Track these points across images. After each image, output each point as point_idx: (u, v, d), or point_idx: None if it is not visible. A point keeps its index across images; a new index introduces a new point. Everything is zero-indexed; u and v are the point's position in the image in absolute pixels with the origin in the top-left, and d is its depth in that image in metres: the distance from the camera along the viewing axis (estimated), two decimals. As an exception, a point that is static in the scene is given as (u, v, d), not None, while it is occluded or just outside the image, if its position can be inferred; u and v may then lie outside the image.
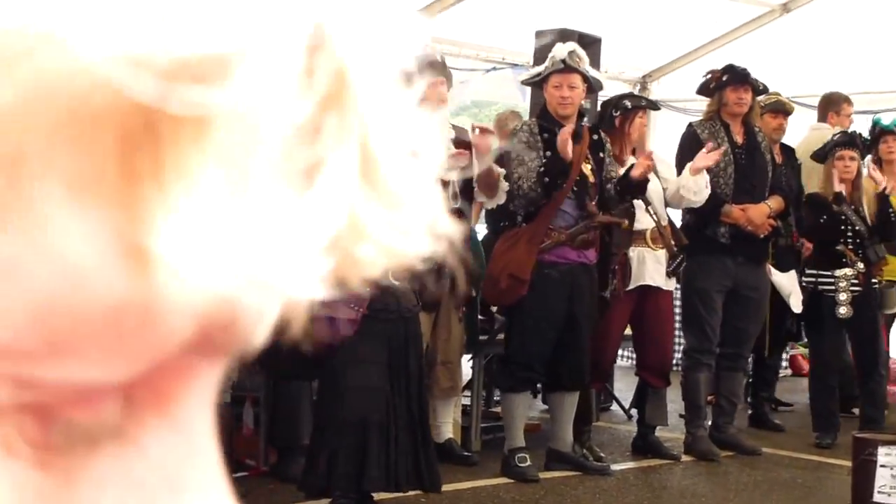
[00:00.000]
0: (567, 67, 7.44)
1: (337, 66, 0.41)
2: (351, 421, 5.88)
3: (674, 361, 11.22)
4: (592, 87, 7.68)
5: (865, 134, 9.53)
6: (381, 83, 0.43)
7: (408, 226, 0.44)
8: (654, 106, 9.30)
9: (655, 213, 7.94)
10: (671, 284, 8.27)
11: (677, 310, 8.85)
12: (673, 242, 8.04)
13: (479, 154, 6.84)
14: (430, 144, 0.46)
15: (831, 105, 10.33)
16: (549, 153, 7.37)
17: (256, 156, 0.40)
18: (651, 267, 8.00)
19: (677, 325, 10.86)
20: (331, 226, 0.42)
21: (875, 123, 9.74)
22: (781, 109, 9.43)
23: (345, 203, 0.42)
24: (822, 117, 10.37)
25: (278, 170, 0.41)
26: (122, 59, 0.37)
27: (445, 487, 6.79)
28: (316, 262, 0.42)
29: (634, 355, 9.20)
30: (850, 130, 8.93)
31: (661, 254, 8.06)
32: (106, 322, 0.39)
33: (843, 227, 8.54)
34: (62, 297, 0.38)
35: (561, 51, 7.49)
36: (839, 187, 8.58)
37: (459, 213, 7.66)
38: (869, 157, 9.44)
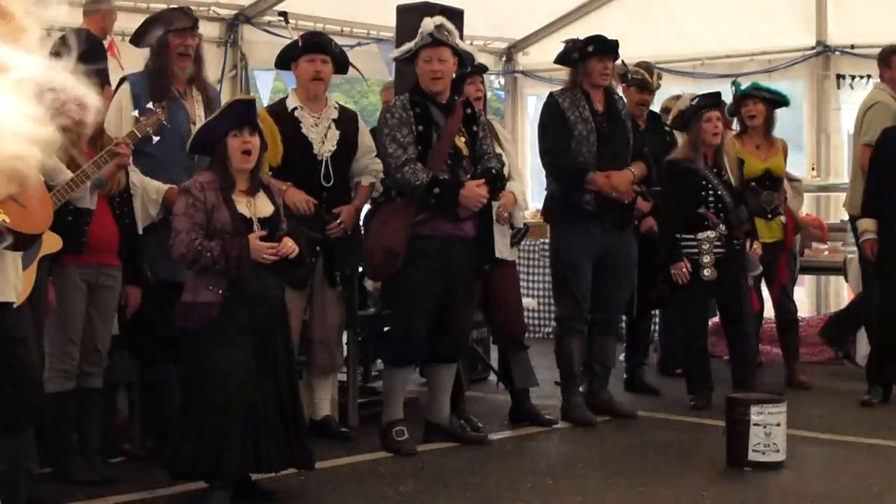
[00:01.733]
0: (435, 41, 7.43)
1: None
2: (213, 404, 5.84)
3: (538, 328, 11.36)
4: (464, 60, 7.67)
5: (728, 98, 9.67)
6: None
7: None
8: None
9: None
10: (514, 254, 8.48)
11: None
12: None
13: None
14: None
15: (883, 60, 10.12)
16: (421, 127, 7.36)
17: None
18: (497, 240, 8.06)
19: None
20: None
21: (735, 86, 9.87)
22: (647, 87, 9.48)
23: None
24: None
25: None
26: None
27: (324, 464, 6.78)
28: None
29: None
30: (712, 91, 9.00)
31: (507, 227, 8.16)
32: None
33: (703, 192, 8.63)
34: None
35: (428, 25, 7.48)
36: (707, 149, 8.69)
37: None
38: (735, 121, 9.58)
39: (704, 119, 8.69)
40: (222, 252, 5.83)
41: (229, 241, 5.88)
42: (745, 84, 10.00)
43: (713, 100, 8.82)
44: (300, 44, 7.69)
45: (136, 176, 6.92)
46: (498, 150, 7.97)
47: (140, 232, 6.89)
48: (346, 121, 7.82)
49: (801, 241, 10.54)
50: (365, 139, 7.95)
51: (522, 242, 8.61)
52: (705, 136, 8.66)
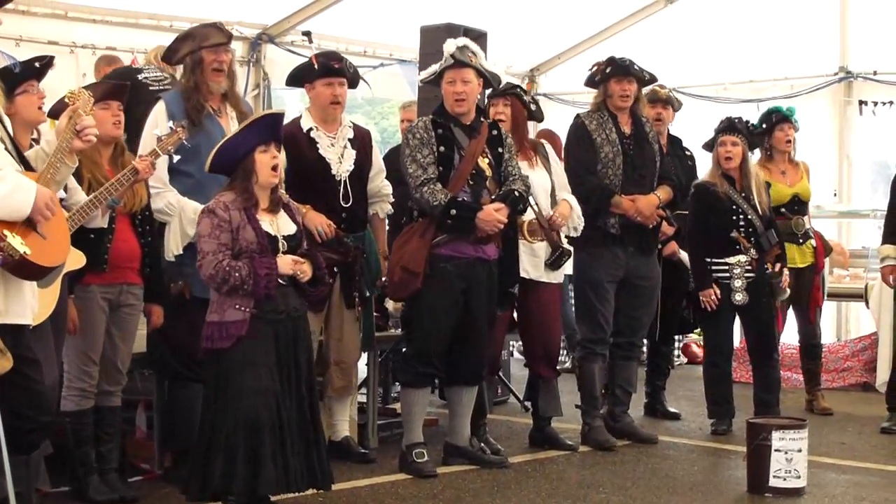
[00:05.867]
0: (458, 62, 7.43)
1: None
2: (243, 423, 5.80)
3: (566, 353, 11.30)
4: (488, 81, 7.66)
5: (755, 121, 9.63)
6: None
7: None
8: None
9: (537, 205, 7.92)
10: (556, 277, 8.19)
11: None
12: (555, 235, 8.01)
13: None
14: None
15: None
16: (442, 148, 7.34)
17: None
18: (525, 260, 7.97)
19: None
20: None
21: (777, 111, 9.81)
22: (656, 99, 9.37)
23: None
24: None
25: None
26: None
27: (343, 485, 6.76)
28: None
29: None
30: (731, 116, 8.96)
31: (539, 246, 8.00)
32: None
33: (734, 217, 8.60)
34: None
35: (451, 46, 7.48)
36: (732, 173, 8.67)
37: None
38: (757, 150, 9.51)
39: (719, 143, 8.69)
40: (251, 271, 5.80)
41: (258, 259, 5.85)
42: (761, 108, 9.98)
43: (729, 124, 8.78)
44: (315, 66, 7.66)
45: (173, 196, 6.92)
46: (541, 170, 7.92)
47: (180, 251, 6.90)
48: (361, 139, 7.82)
49: (829, 263, 10.48)
50: (377, 158, 7.95)
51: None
52: (719, 159, 8.66)
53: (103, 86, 6.57)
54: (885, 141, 12.72)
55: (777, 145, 9.68)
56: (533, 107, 8.22)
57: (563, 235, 8.07)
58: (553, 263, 8.00)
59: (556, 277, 8.19)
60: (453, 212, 7.28)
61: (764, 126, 9.70)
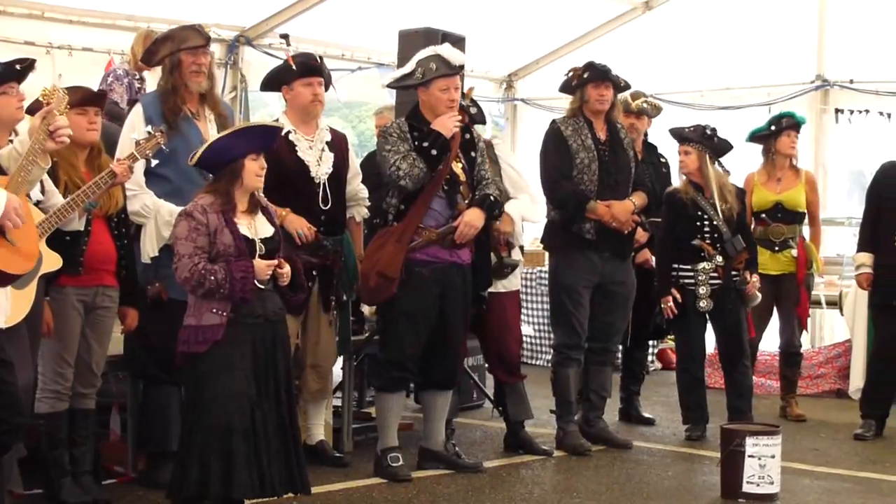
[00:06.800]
0: (454, 70, 7.48)
1: None
2: (217, 427, 5.79)
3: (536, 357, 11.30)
4: None
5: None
6: None
7: None
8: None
9: None
10: (510, 285, 8.25)
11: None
12: (499, 246, 8.05)
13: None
14: None
15: None
16: (425, 143, 7.33)
17: None
18: None
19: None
20: None
21: (789, 116, 9.84)
22: (628, 111, 9.32)
23: None
24: None
25: None
26: None
27: (318, 489, 6.75)
28: None
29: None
30: (681, 127, 8.97)
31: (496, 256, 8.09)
32: None
33: (698, 223, 8.63)
34: None
35: (451, 54, 7.48)
36: (680, 181, 8.76)
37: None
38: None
39: (679, 151, 8.77)
40: (227, 275, 5.79)
41: (235, 262, 5.84)
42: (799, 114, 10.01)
43: (675, 133, 8.83)
44: (294, 66, 7.65)
45: (149, 198, 6.91)
46: (503, 168, 7.94)
47: (156, 254, 6.88)
48: (338, 142, 7.81)
49: (816, 274, 10.46)
50: (353, 161, 7.96)
51: (514, 273, 8.34)
52: (680, 167, 8.75)
53: (82, 91, 6.55)
54: (860, 149, 12.78)
55: (781, 149, 9.71)
56: (473, 110, 8.18)
57: (513, 246, 8.13)
58: (495, 272, 8.02)
59: (510, 286, 8.24)
60: (431, 149, 7.30)
61: (772, 129, 9.73)
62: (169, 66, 7.18)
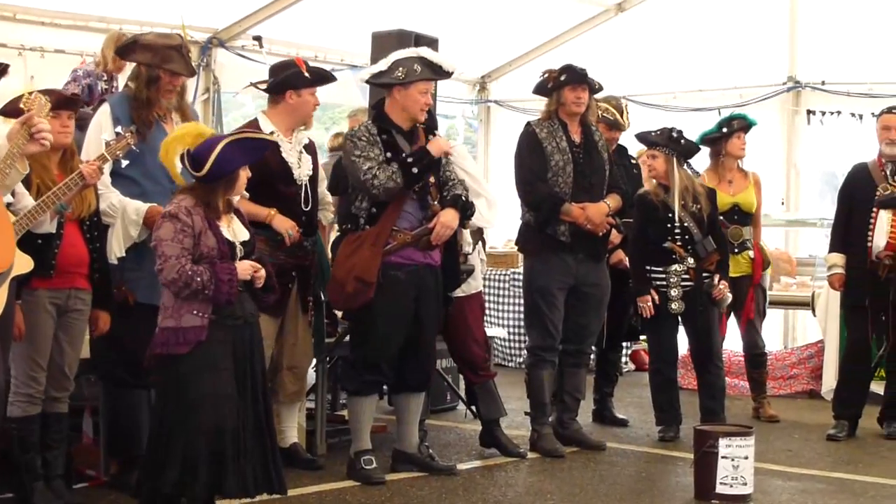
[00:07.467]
0: (441, 76, 7.51)
1: None
2: (206, 429, 5.77)
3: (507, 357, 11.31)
4: None
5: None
6: None
7: None
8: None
9: None
10: (469, 288, 8.26)
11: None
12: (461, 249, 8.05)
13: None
14: None
15: None
16: (388, 154, 7.32)
17: None
18: None
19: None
20: None
21: (740, 118, 9.84)
22: (618, 127, 9.39)
23: None
24: None
25: None
26: None
27: (291, 492, 6.73)
28: None
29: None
30: (647, 131, 8.98)
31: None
32: None
33: (668, 225, 8.65)
34: None
35: (440, 58, 7.48)
36: (647, 185, 8.80)
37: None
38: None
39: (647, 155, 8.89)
40: (212, 277, 5.77)
41: (220, 265, 5.83)
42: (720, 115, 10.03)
43: (641, 137, 8.90)
44: (307, 74, 7.59)
45: (115, 197, 6.86)
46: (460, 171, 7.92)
47: (122, 254, 6.85)
48: (311, 146, 7.84)
49: (770, 275, 10.54)
50: (319, 165, 7.97)
51: (489, 273, 8.37)
52: (648, 170, 8.80)
53: (56, 94, 6.51)
54: (832, 150, 12.82)
55: (732, 151, 9.70)
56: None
57: (464, 253, 8.14)
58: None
59: (469, 289, 8.27)
60: (413, 167, 7.28)
61: (724, 130, 9.72)
62: (145, 77, 7.08)
